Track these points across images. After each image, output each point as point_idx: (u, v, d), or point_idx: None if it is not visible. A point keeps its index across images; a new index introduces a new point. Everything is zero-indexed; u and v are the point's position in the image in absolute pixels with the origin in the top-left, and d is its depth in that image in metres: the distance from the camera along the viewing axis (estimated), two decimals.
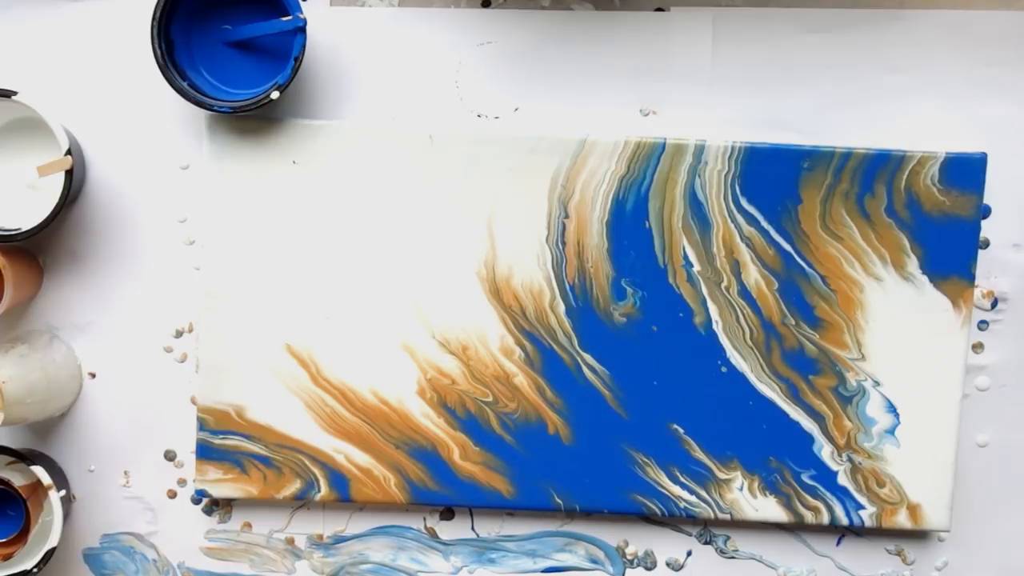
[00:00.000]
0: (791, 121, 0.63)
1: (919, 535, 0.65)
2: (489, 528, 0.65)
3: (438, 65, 0.63)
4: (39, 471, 0.59)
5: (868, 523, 0.62)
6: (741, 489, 0.62)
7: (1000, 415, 0.64)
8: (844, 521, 0.62)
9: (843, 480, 0.62)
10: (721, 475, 0.62)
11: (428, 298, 0.62)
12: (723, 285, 0.61)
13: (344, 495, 0.63)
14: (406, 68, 0.63)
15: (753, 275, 0.61)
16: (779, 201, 0.61)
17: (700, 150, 0.60)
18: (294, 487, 0.63)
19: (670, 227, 0.61)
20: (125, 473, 0.64)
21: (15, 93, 0.58)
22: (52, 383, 0.61)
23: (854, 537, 0.65)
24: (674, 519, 0.64)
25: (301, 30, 0.58)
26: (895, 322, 0.61)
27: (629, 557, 0.65)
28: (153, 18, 0.58)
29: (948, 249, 0.61)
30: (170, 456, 0.64)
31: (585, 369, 0.62)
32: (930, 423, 0.62)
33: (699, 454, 0.62)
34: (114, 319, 0.64)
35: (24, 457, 0.60)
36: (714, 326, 0.62)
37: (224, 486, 0.63)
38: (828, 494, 0.62)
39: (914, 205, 0.61)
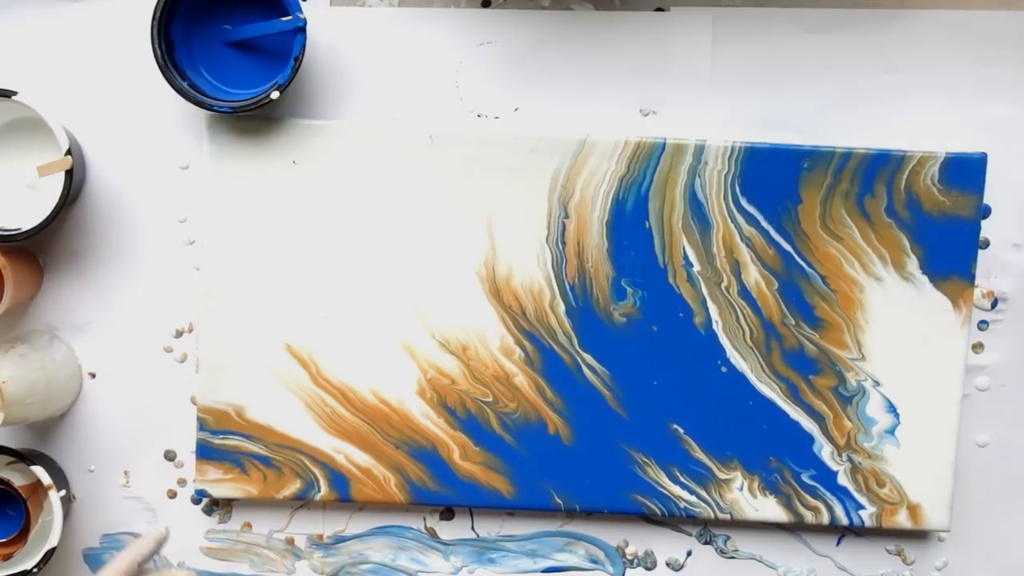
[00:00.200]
0: (791, 121, 0.63)
1: (919, 535, 0.65)
2: (489, 528, 0.65)
3: (438, 65, 0.63)
4: (39, 471, 0.59)
5: (868, 523, 0.62)
6: (741, 489, 0.62)
7: (1000, 415, 0.64)
8: (844, 521, 0.62)
9: (843, 480, 0.62)
10: (721, 475, 0.62)
11: (428, 298, 0.62)
12: (723, 285, 0.61)
13: (344, 495, 0.63)
14: (406, 68, 0.63)
15: (753, 275, 0.61)
16: (779, 201, 0.61)
17: (700, 150, 0.60)
18: (294, 487, 0.63)
19: (670, 227, 0.61)
20: (125, 473, 0.64)
21: (15, 93, 0.58)
22: (52, 383, 0.61)
23: (854, 537, 0.65)
24: (674, 519, 0.64)
25: (301, 30, 0.58)
26: (895, 322, 0.61)
27: (629, 557, 0.65)
28: (153, 18, 0.58)
29: (948, 249, 0.61)
30: (170, 456, 0.64)
31: (585, 369, 0.62)
32: (930, 423, 0.62)
33: (699, 454, 0.62)
34: (114, 319, 0.64)
35: (24, 457, 0.60)
36: (714, 326, 0.62)
37: (224, 486, 0.63)
38: (828, 494, 0.62)
39: (914, 205, 0.61)
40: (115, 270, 0.63)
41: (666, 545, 0.65)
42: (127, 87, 0.63)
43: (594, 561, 0.65)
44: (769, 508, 0.63)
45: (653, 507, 0.63)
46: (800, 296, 0.61)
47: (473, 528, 0.65)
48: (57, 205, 0.58)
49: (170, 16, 0.59)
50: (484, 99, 0.63)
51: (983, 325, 0.64)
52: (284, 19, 0.58)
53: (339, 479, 0.62)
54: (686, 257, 0.61)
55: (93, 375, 0.64)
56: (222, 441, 0.62)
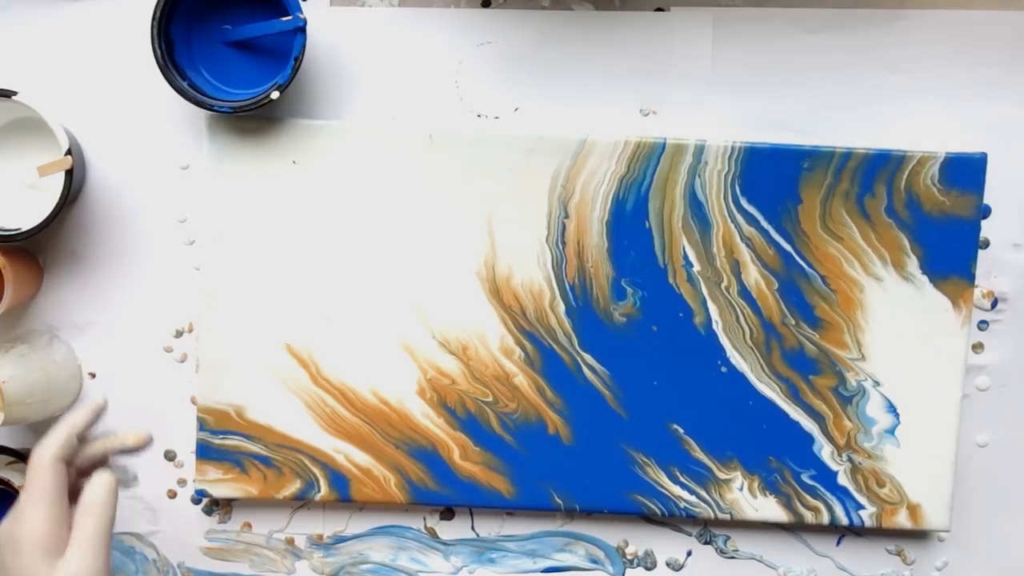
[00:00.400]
0: (791, 121, 0.63)
1: (919, 535, 0.65)
2: (489, 528, 0.65)
3: (438, 65, 0.63)
4: None
5: (868, 523, 0.62)
6: (741, 489, 0.62)
7: (1000, 415, 0.64)
8: (844, 521, 0.62)
9: (843, 480, 0.62)
10: (721, 475, 0.62)
11: (428, 298, 0.62)
12: (723, 285, 0.61)
13: (344, 495, 0.63)
14: (406, 68, 0.63)
15: (753, 275, 0.61)
16: (779, 201, 0.61)
17: (700, 150, 0.60)
18: (294, 487, 0.63)
19: (670, 227, 0.61)
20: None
21: (15, 93, 0.58)
22: (52, 383, 0.61)
23: (854, 537, 0.65)
24: (674, 519, 0.64)
25: (301, 30, 0.58)
26: (895, 322, 0.61)
27: (629, 557, 0.65)
28: (153, 18, 0.58)
29: (948, 249, 0.61)
30: (170, 456, 0.64)
31: (585, 369, 0.62)
32: (930, 423, 0.62)
33: (699, 454, 0.62)
34: (114, 319, 0.64)
35: (24, 457, 0.60)
36: (714, 326, 0.62)
37: (224, 486, 0.63)
38: (828, 494, 0.62)
39: (914, 205, 0.61)
40: (115, 270, 0.63)
41: (666, 545, 0.65)
42: (127, 87, 0.63)
43: (594, 561, 0.65)
44: (769, 508, 0.63)
45: (653, 507, 0.63)
46: (800, 296, 0.61)
47: (473, 528, 0.65)
48: (57, 205, 0.58)
49: (170, 16, 0.59)
50: (484, 99, 0.63)
51: (983, 325, 0.64)
52: (284, 19, 0.58)
53: (339, 479, 0.62)
54: (686, 257, 0.61)
55: (93, 375, 0.64)
56: (222, 441, 0.62)
